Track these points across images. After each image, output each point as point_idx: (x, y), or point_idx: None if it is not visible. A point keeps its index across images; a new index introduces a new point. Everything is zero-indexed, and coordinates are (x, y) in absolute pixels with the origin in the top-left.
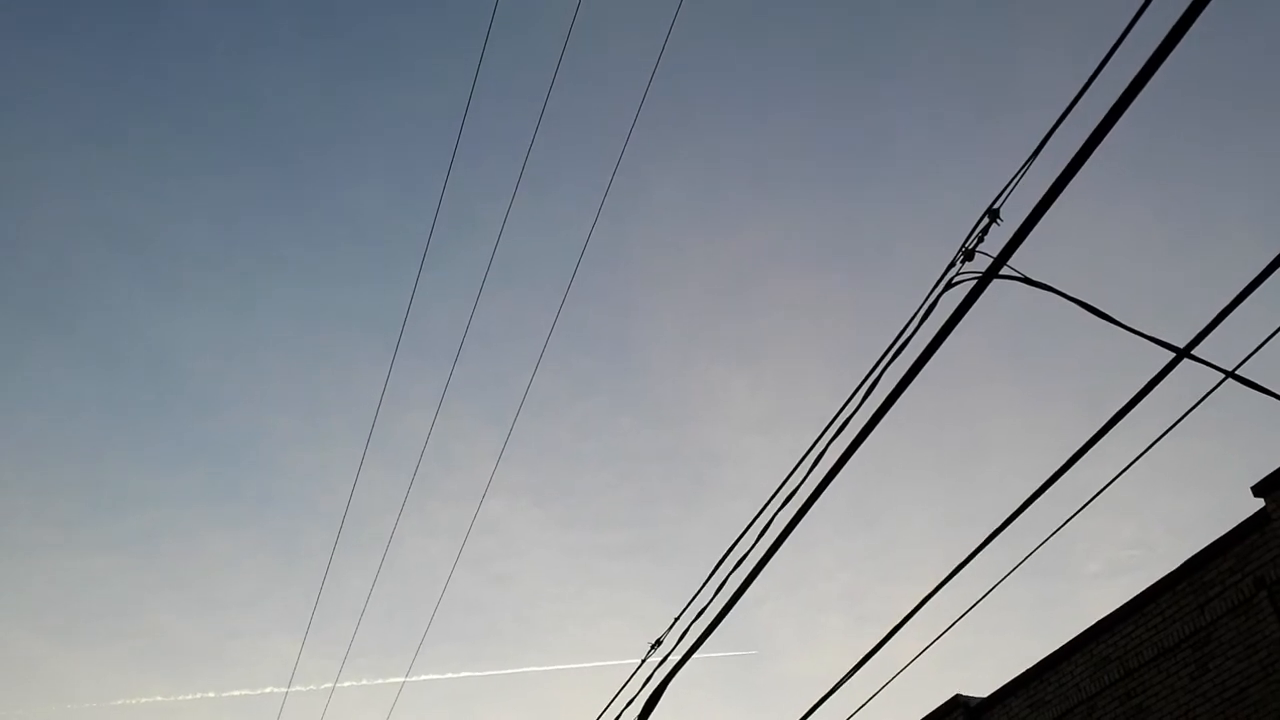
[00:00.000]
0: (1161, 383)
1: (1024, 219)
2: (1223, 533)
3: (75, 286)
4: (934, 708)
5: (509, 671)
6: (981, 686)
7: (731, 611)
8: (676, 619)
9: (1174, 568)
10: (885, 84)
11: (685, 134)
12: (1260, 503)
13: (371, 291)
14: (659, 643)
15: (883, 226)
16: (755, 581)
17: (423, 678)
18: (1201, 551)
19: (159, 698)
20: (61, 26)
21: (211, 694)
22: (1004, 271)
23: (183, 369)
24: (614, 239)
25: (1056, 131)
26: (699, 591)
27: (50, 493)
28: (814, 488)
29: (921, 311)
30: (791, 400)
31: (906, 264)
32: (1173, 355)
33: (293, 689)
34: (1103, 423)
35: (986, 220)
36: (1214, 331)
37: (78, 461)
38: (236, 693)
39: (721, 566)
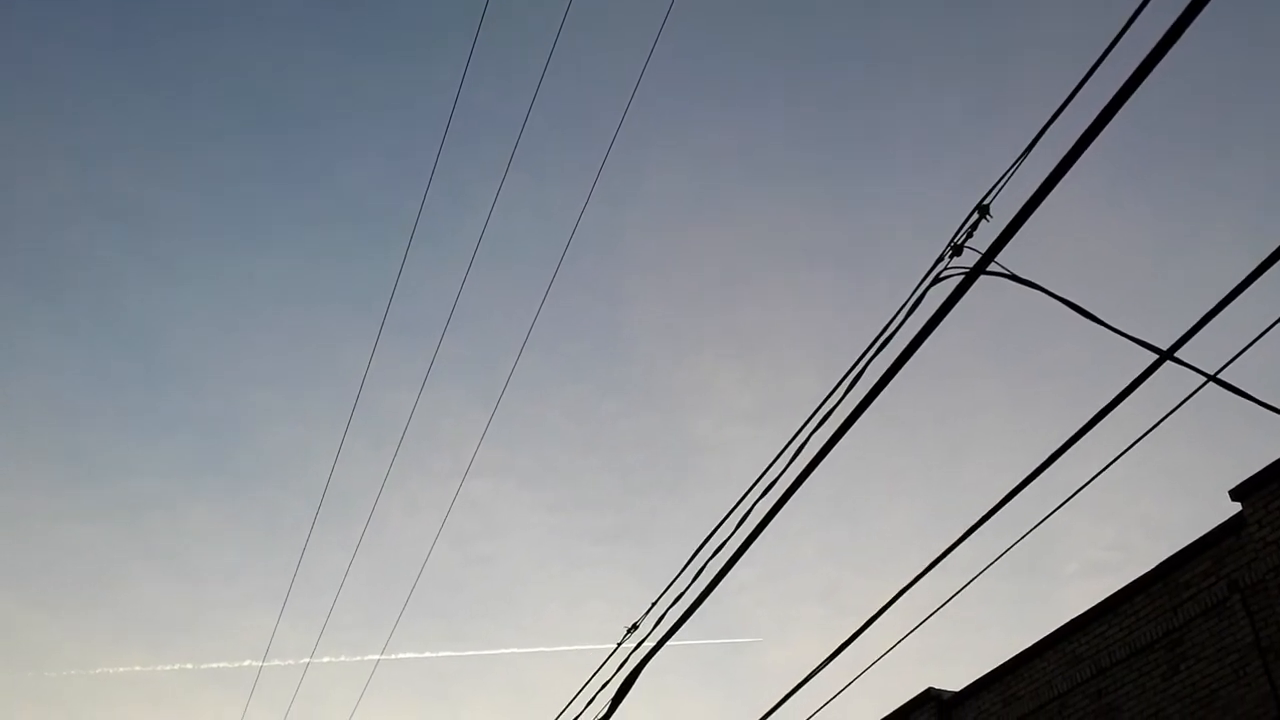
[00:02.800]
0: (1144, 384)
1: (1013, 216)
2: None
3: (65, 255)
4: (906, 700)
5: (487, 652)
6: (959, 681)
7: (712, 599)
8: (653, 604)
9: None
10: (881, 79)
11: (680, 124)
12: (1237, 507)
13: (361, 268)
14: (635, 627)
15: (876, 220)
16: (734, 570)
17: (399, 656)
18: (1177, 554)
19: (137, 667)
20: None
21: (189, 665)
22: (991, 268)
23: (169, 340)
24: (607, 224)
25: (1049, 129)
26: (676, 578)
27: (34, 460)
28: (794, 478)
29: (908, 306)
30: (779, 392)
31: (899, 258)
32: (1156, 357)
33: (270, 663)
34: (1084, 422)
35: (976, 216)
36: (1198, 334)
37: (62, 429)
38: (214, 665)
39: (700, 554)
